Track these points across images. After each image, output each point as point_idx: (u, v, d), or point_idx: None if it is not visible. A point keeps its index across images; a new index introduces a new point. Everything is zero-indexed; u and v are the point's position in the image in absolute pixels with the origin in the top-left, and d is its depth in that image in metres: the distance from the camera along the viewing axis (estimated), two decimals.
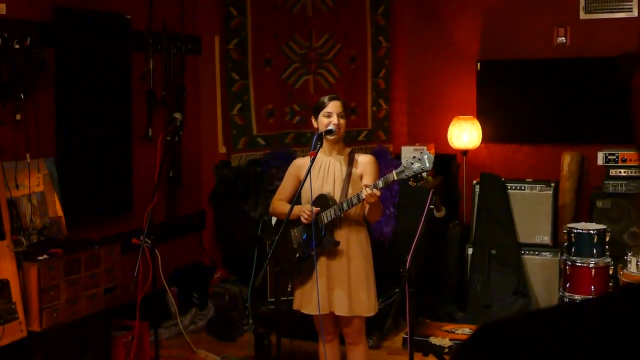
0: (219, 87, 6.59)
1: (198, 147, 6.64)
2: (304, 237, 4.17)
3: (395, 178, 3.78)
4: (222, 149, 6.64)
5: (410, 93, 7.15)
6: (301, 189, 4.08)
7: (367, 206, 3.97)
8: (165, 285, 5.72)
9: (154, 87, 5.99)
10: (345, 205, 3.99)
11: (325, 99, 4.15)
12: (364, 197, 3.85)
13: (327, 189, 4.13)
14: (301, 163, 4.27)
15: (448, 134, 6.62)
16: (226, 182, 6.41)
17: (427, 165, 3.69)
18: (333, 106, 4.11)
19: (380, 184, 3.84)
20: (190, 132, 6.43)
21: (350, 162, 4.16)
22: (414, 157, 3.75)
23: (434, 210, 3.74)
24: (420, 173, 3.72)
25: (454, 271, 6.19)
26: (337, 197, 4.09)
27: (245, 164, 6.55)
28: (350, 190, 4.09)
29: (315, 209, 4.05)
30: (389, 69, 7.19)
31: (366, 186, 3.89)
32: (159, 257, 4.89)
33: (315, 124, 4.17)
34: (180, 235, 6.39)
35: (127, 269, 4.80)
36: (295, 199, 4.05)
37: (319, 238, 4.06)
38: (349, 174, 4.12)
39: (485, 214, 6.14)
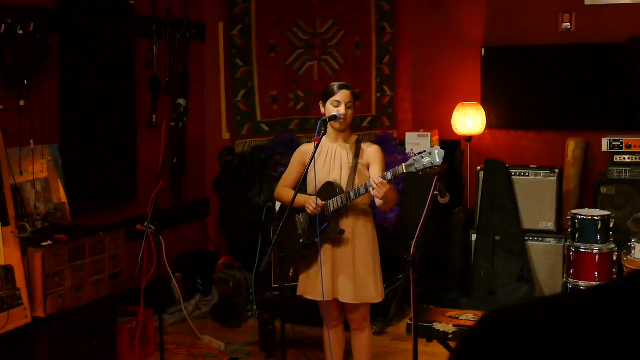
0: (223, 74, 6.57)
1: (202, 133, 6.63)
2: (309, 223, 4.16)
3: (405, 171, 3.76)
4: (226, 136, 6.63)
5: (414, 79, 7.11)
6: (306, 175, 4.07)
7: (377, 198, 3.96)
8: (170, 271, 5.72)
9: (158, 74, 5.97)
10: (352, 194, 3.97)
11: (335, 86, 4.11)
12: (372, 188, 3.83)
13: (333, 177, 4.10)
14: (307, 149, 4.24)
15: (452, 120, 6.59)
16: (230, 168, 6.40)
17: (437, 160, 3.68)
18: (342, 95, 4.07)
19: (389, 175, 3.81)
20: (194, 118, 6.42)
21: (357, 151, 4.13)
22: (424, 151, 3.73)
23: (438, 197, 3.73)
24: (430, 167, 3.71)
25: (458, 257, 6.18)
26: (343, 185, 4.07)
27: (249, 151, 6.53)
28: (357, 180, 4.06)
29: (321, 203, 4.04)
30: (393, 55, 7.15)
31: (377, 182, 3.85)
32: (164, 243, 4.89)
33: (322, 110, 4.14)
34: (184, 222, 6.39)
35: (132, 255, 4.80)
36: (300, 186, 4.03)
37: (324, 226, 4.05)
38: (355, 163, 4.10)
39: (490, 200, 6.12)
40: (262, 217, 5.79)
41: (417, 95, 7.12)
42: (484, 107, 6.57)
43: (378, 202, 4.00)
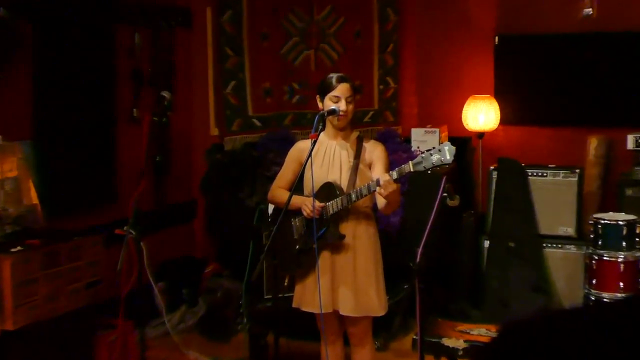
0: (212, 64, 6.57)
1: (188, 129, 6.62)
2: (305, 228, 4.16)
3: (412, 169, 3.76)
4: (215, 131, 6.63)
5: (420, 70, 7.13)
6: (303, 175, 4.08)
7: (380, 197, 3.96)
8: (152, 280, 5.71)
9: (141, 64, 5.97)
10: (353, 196, 3.97)
11: (334, 79, 4.10)
12: (379, 187, 3.83)
13: (332, 177, 4.11)
14: (303, 146, 4.24)
15: (463, 115, 6.60)
16: (219, 167, 6.40)
17: (448, 157, 3.68)
18: (342, 89, 4.07)
19: (395, 175, 3.81)
20: (179, 112, 6.41)
21: (359, 149, 4.14)
22: (434, 148, 3.73)
23: (447, 199, 3.72)
24: (440, 165, 3.71)
25: (468, 265, 6.18)
26: (343, 186, 4.08)
27: (240, 148, 6.54)
28: (357, 180, 4.07)
29: (319, 204, 4.04)
30: (397, 44, 7.16)
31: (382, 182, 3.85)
32: (146, 249, 4.88)
33: (320, 105, 4.14)
34: (168, 226, 6.38)
35: (111, 262, 4.79)
36: (296, 187, 4.03)
37: (322, 231, 4.05)
38: (356, 162, 4.11)
39: (503, 202, 6.13)
40: (254, 221, 5.78)
41: (423, 88, 7.13)
42: (497, 101, 6.58)
43: (380, 203, 4.01)
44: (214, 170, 6.45)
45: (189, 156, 6.64)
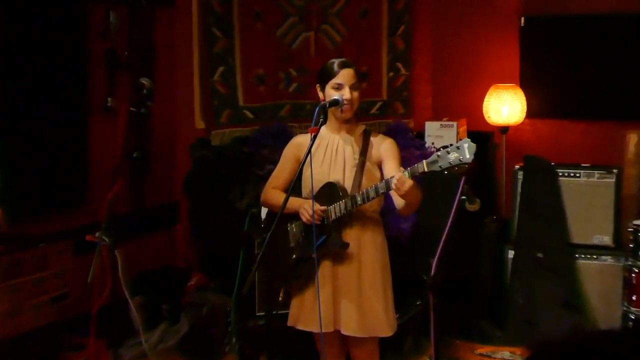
0: (197, 47, 6.55)
1: (171, 121, 6.61)
2: (303, 234, 4.14)
3: (426, 169, 3.73)
4: (201, 124, 6.61)
5: (436, 55, 7.11)
6: (301, 174, 4.05)
7: (397, 197, 3.95)
8: (128, 294, 5.70)
9: (116, 47, 5.95)
10: (359, 198, 3.96)
11: (335, 64, 4.09)
12: (393, 186, 3.82)
13: (335, 177, 4.09)
14: (302, 141, 4.22)
15: (484, 106, 6.59)
16: (205, 165, 6.39)
17: (468, 156, 3.64)
18: (345, 76, 4.06)
19: (406, 174, 3.81)
20: (161, 102, 6.38)
21: (365, 145, 4.13)
22: (451, 145, 3.70)
23: (466, 202, 3.71)
24: (458, 165, 3.68)
25: (489, 279, 6.17)
26: (347, 187, 4.06)
27: (229, 143, 6.53)
28: (364, 181, 4.05)
29: (320, 208, 4.02)
30: (409, 25, 7.15)
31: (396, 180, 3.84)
32: (121, 258, 4.87)
33: (320, 95, 4.13)
34: (147, 232, 6.37)
35: (81, 273, 4.77)
36: (293, 187, 4.00)
37: (322, 238, 4.03)
38: (362, 160, 4.09)
39: (530, 207, 6.11)
40: (245, 226, 5.78)
41: (439, 76, 7.12)
42: (523, 91, 6.56)
43: (398, 204, 4.01)
44: (199, 169, 6.44)
45: (171, 152, 6.63)
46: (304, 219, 4.07)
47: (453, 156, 3.67)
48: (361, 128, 4.22)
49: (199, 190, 6.45)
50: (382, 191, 3.89)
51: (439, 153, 3.71)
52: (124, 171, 5.60)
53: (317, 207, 4.02)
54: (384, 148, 4.13)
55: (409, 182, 3.76)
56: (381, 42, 7.15)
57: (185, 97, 6.62)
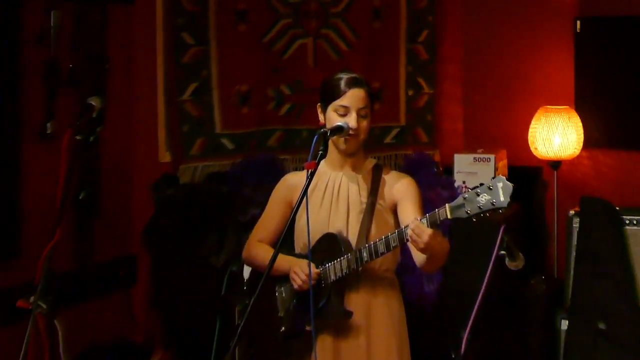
0: (162, 57, 6.57)
1: (127, 152, 6.60)
2: (296, 301, 4.14)
3: (449, 216, 3.74)
4: (166, 157, 6.62)
5: (468, 68, 7.14)
6: (294, 223, 4.06)
7: (416, 250, 3.93)
8: None
9: (58, 56, 5.97)
10: (365, 253, 3.95)
11: (342, 81, 4.09)
12: (408, 237, 3.81)
13: (336, 226, 4.10)
14: (295, 181, 4.25)
15: (530, 135, 6.60)
16: (172, 208, 6.40)
17: (502, 199, 3.66)
18: (353, 97, 4.06)
19: (424, 222, 3.79)
20: (115, 128, 6.39)
21: (375, 184, 4.14)
22: (481, 185, 3.72)
23: (506, 258, 3.73)
24: (490, 211, 3.68)
25: (537, 355, 6.15)
26: (352, 239, 4.07)
27: (202, 181, 6.54)
28: (373, 230, 4.06)
29: (315, 272, 4.02)
30: (434, 29, 7.17)
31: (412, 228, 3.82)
32: (62, 329, 4.85)
33: (321, 118, 4.15)
34: (96, 295, 6.34)
35: (11, 347, 4.76)
36: (284, 239, 3.98)
37: (320, 305, 4.03)
38: (372, 203, 4.10)
39: (590, 263, 6.10)
40: (223, 290, 5.77)
41: (471, 94, 7.14)
42: (579, 115, 6.58)
43: (418, 258, 4.00)
44: (163, 214, 6.44)
45: (127, 192, 6.62)
46: (296, 286, 4.07)
47: (484, 199, 3.69)
48: (371, 163, 4.24)
49: (163, 242, 6.45)
50: (394, 244, 3.90)
51: (465, 195, 3.74)
52: (66, 216, 5.58)
53: (313, 268, 4.02)
54: (399, 188, 4.14)
55: (428, 232, 3.75)
56: (398, 50, 7.18)
57: (146, 121, 6.62)
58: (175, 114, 6.60)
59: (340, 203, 4.14)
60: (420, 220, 3.80)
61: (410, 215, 4.01)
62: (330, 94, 4.10)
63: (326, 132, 3.98)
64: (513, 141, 6.71)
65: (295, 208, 3.87)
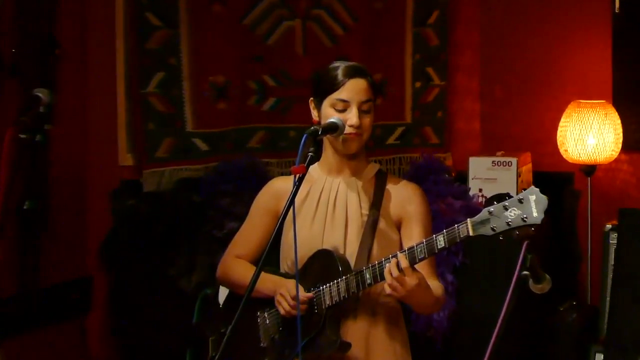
0: (123, 41, 6.57)
1: (81, 154, 6.60)
2: (281, 329, 4.15)
3: (471, 233, 3.75)
4: (127, 160, 6.61)
5: (486, 57, 7.16)
6: (280, 237, 4.06)
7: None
8: None
9: None
10: (368, 275, 3.94)
11: (340, 71, 4.09)
12: (388, 282, 3.82)
13: (333, 241, 4.11)
14: (282, 187, 4.23)
15: (559, 135, 6.60)
16: (134, 222, 6.40)
17: (535, 214, 3.64)
18: (354, 89, 4.06)
19: (441, 242, 3.78)
20: (67, 125, 6.40)
21: (379, 193, 4.15)
22: (510, 197, 3.71)
23: (530, 281, 3.75)
24: (520, 228, 3.71)
25: None
26: (350, 257, 4.08)
27: (171, 189, 6.56)
28: (375, 248, 4.07)
29: (306, 295, 4.04)
30: (445, 9, 7.19)
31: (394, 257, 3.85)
32: None
33: (314, 115, 4.16)
34: (44, 324, 6.35)
35: None
36: (267, 255, 3.95)
37: (311, 336, 4.04)
38: (374, 216, 4.11)
39: (629, 287, 6.13)
40: (194, 317, 5.80)
41: (490, 87, 7.16)
42: (618, 110, 6.59)
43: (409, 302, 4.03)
44: (124, 228, 6.45)
45: (81, 202, 6.62)
46: (282, 311, 4.08)
47: (513, 214, 3.67)
48: (373, 168, 4.25)
49: (123, 261, 6.45)
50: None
51: (491, 209, 3.72)
52: (7, 230, 5.61)
53: (302, 292, 4.02)
54: (405, 202, 4.15)
55: (411, 280, 3.78)
56: (404, 35, 7.18)
57: (103, 118, 6.63)
58: (138, 109, 6.60)
59: (337, 215, 4.14)
60: (436, 237, 3.80)
61: (414, 238, 4.02)
62: (325, 86, 4.09)
63: (317, 131, 3.92)
64: (539, 142, 6.73)
65: (280, 219, 3.75)
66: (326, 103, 4.08)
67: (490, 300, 5.28)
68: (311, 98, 4.17)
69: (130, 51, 6.58)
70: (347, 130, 4.02)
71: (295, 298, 3.96)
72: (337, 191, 4.17)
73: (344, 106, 4.04)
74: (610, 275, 6.21)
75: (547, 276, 3.81)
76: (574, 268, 6.66)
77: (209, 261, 5.92)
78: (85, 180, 6.66)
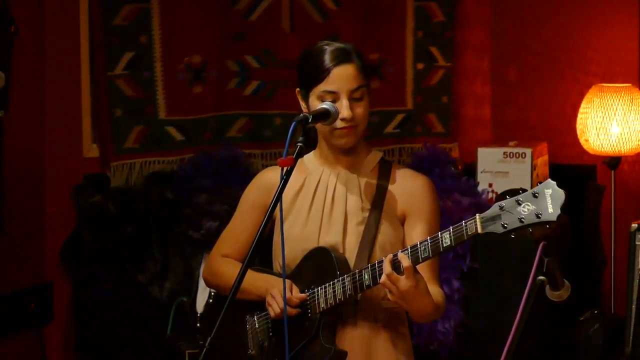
0: (87, 17, 6.59)
1: (40, 145, 6.61)
2: (271, 334, 4.17)
3: (480, 231, 3.73)
4: (92, 151, 6.63)
5: (498, 35, 7.19)
6: (272, 234, 4.11)
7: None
8: None
9: None
10: (367, 276, 3.95)
11: (326, 55, 4.06)
12: (381, 281, 3.83)
13: (329, 239, 4.13)
14: (274, 179, 4.13)
15: (578, 122, 6.63)
16: (99, 221, 6.42)
17: (551, 210, 3.63)
18: (341, 78, 4.03)
19: (447, 240, 3.78)
20: (23, 112, 6.42)
21: (382, 186, 4.15)
22: (523, 191, 3.70)
23: (547, 287, 3.79)
24: (534, 225, 3.72)
25: None
26: (349, 257, 4.10)
27: (141, 183, 6.59)
28: (377, 247, 4.09)
29: (299, 296, 4.07)
30: None
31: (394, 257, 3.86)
32: None
33: (303, 105, 4.16)
34: None
35: None
36: (254, 251, 3.90)
37: (303, 343, 4.07)
38: (376, 211, 4.12)
39: None
40: (168, 328, 5.83)
41: (502, 70, 7.19)
42: None
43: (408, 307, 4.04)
44: (89, 228, 6.46)
45: (39, 200, 6.65)
46: (272, 313, 4.09)
47: (526, 209, 3.66)
48: (375, 157, 4.24)
49: (87, 266, 6.46)
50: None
51: (502, 204, 3.70)
52: None
53: (296, 293, 4.04)
54: (410, 195, 4.14)
55: (408, 283, 3.79)
56: (404, 10, 7.17)
57: (65, 104, 6.65)
58: (104, 94, 6.62)
59: (335, 210, 4.14)
60: (442, 234, 3.80)
61: (418, 237, 3.98)
62: (310, 76, 4.08)
63: (307, 118, 3.89)
64: (556, 131, 6.75)
65: (267, 214, 3.76)
66: (312, 95, 4.06)
67: (501, 309, 5.33)
68: (297, 89, 4.16)
69: (94, 29, 6.59)
70: (339, 124, 3.99)
71: (288, 299, 3.99)
72: (335, 184, 4.16)
73: (332, 97, 4.01)
74: (636, 281, 6.23)
75: (566, 282, 3.84)
76: (596, 273, 6.69)
77: (184, 265, 5.94)
78: (45, 174, 6.67)
